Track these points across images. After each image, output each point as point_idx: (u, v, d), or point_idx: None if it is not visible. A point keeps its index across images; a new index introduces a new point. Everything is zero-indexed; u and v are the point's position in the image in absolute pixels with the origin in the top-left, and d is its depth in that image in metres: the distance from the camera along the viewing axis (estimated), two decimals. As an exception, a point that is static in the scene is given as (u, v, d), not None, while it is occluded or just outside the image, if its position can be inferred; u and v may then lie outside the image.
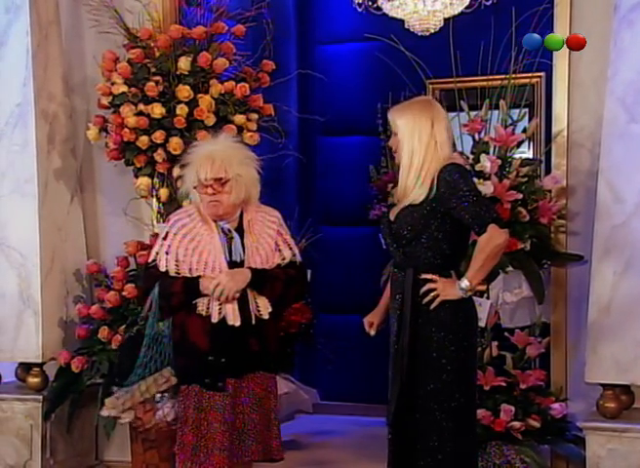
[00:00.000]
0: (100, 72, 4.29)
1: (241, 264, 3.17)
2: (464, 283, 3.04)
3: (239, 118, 4.19)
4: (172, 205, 4.23)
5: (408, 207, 3.08)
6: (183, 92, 4.10)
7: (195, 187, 3.17)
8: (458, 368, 3.05)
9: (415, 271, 3.07)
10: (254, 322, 3.13)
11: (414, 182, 3.07)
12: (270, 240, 3.23)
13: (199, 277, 3.14)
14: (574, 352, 4.04)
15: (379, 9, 5.24)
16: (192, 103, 4.11)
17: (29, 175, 4.27)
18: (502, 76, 4.03)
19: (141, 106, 4.13)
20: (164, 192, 4.21)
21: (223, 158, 3.13)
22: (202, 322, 3.13)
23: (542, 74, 5.22)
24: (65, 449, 4.34)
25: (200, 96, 4.12)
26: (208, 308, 3.13)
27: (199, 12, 4.36)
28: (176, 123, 4.09)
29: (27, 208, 4.27)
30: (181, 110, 4.10)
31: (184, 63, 4.13)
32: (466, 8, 5.05)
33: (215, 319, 3.10)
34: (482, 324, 3.76)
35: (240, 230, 3.21)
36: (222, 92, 4.16)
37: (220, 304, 3.11)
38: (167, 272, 3.18)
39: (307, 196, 6.37)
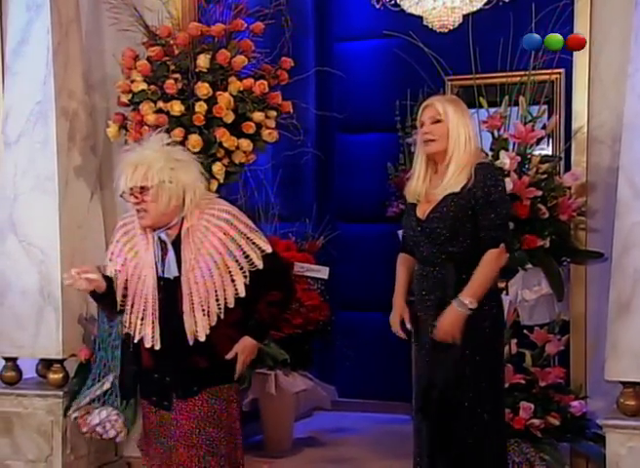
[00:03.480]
0: (120, 70, 4.30)
1: (175, 281, 2.95)
2: (468, 300, 3.05)
3: (258, 115, 4.20)
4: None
5: (448, 196, 3.13)
6: (202, 89, 4.10)
7: (121, 196, 3.00)
8: (496, 363, 3.19)
9: (455, 267, 3.12)
10: (191, 343, 2.94)
11: (454, 171, 3.13)
12: (213, 250, 2.94)
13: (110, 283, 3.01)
14: (593, 349, 4.01)
15: (396, 5, 5.23)
16: (211, 101, 4.11)
17: (50, 173, 4.30)
18: (522, 73, 4.02)
19: (161, 104, 4.14)
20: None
21: (146, 164, 2.92)
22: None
23: (562, 71, 5.20)
24: (86, 445, 4.35)
25: (219, 93, 4.13)
26: (130, 327, 3.01)
27: (218, 9, 4.37)
28: (195, 120, 4.10)
29: (48, 205, 4.30)
30: (200, 108, 4.10)
31: (203, 61, 4.14)
32: (485, 4, 5.03)
33: (135, 339, 2.99)
34: (501, 321, 3.77)
35: (178, 240, 2.98)
36: (241, 89, 4.16)
37: (141, 324, 2.98)
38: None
39: (325, 193, 6.37)
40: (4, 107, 4.47)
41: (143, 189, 2.93)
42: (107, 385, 2.98)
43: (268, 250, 3.02)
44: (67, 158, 4.37)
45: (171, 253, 2.97)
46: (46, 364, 4.39)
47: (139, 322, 2.98)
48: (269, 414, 5.02)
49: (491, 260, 3.10)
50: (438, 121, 3.17)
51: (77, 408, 3.03)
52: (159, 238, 3.00)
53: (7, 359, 4.39)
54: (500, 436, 3.28)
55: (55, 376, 4.32)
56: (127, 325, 3.02)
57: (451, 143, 3.16)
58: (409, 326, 3.30)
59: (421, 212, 3.21)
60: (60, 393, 4.24)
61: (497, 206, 3.11)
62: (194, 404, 2.98)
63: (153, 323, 2.97)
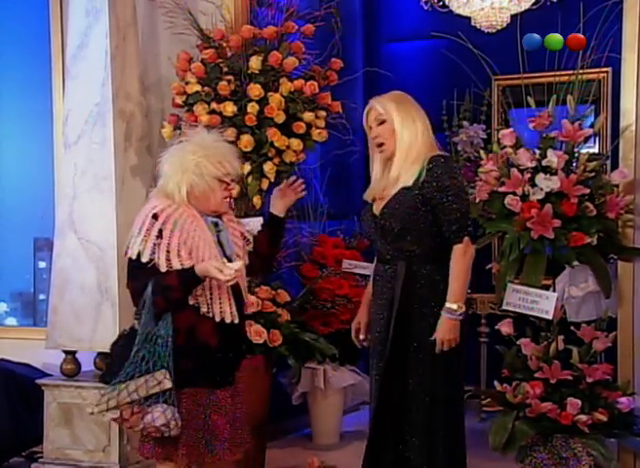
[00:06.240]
0: (175, 72, 4.42)
1: (230, 258, 3.12)
2: (456, 306, 3.04)
3: (308, 115, 4.29)
4: (243, 200, 4.35)
5: (401, 191, 3.08)
6: (254, 90, 4.20)
7: (224, 180, 3.11)
8: (447, 360, 3.13)
9: (407, 264, 3.05)
10: (251, 312, 3.29)
11: (400, 166, 3.11)
12: (237, 231, 3.24)
13: (191, 267, 2.98)
14: (641, 346, 4.03)
15: (444, 6, 5.28)
16: (263, 102, 4.21)
17: (107, 173, 4.39)
18: (569, 72, 4.04)
19: (214, 105, 4.24)
20: (235, 188, 4.31)
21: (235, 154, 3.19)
22: (210, 322, 3.05)
23: (609, 69, 5.20)
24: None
25: (270, 94, 4.22)
26: (208, 309, 3.06)
27: (269, 12, 4.46)
28: (247, 121, 4.19)
29: (105, 204, 4.39)
30: (252, 108, 4.20)
31: (255, 63, 4.23)
32: (533, 4, 5.06)
33: (218, 318, 3.04)
34: (549, 317, 3.80)
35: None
36: (292, 90, 4.25)
37: (220, 304, 3.05)
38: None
39: (373, 192, 6.42)
40: (64, 110, 4.60)
41: (233, 180, 3.18)
42: (168, 384, 2.93)
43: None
44: (124, 158, 4.47)
45: (226, 232, 3.15)
46: (103, 357, 4.47)
47: (217, 301, 3.05)
48: (318, 408, 5.11)
49: (459, 257, 3.05)
50: (383, 121, 3.15)
51: (117, 405, 2.93)
52: (211, 221, 3.14)
53: (67, 352, 4.52)
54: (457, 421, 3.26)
55: (112, 369, 4.46)
56: (204, 307, 3.04)
57: (397, 141, 3.14)
58: (362, 336, 3.31)
59: (377, 208, 3.18)
60: (117, 385, 4.38)
61: (454, 199, 3.05)
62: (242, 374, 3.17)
63: (230, 299, 3.06)
